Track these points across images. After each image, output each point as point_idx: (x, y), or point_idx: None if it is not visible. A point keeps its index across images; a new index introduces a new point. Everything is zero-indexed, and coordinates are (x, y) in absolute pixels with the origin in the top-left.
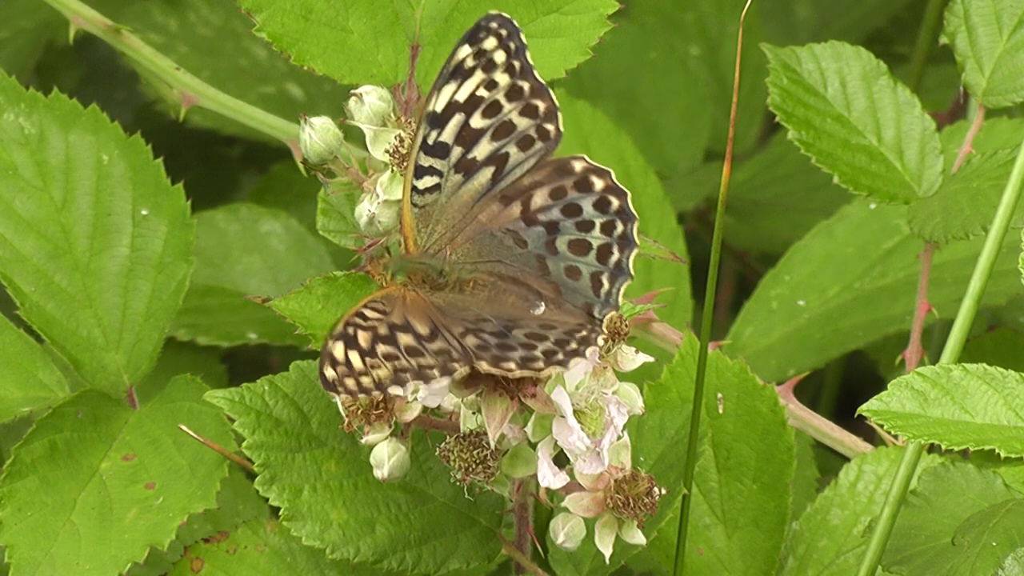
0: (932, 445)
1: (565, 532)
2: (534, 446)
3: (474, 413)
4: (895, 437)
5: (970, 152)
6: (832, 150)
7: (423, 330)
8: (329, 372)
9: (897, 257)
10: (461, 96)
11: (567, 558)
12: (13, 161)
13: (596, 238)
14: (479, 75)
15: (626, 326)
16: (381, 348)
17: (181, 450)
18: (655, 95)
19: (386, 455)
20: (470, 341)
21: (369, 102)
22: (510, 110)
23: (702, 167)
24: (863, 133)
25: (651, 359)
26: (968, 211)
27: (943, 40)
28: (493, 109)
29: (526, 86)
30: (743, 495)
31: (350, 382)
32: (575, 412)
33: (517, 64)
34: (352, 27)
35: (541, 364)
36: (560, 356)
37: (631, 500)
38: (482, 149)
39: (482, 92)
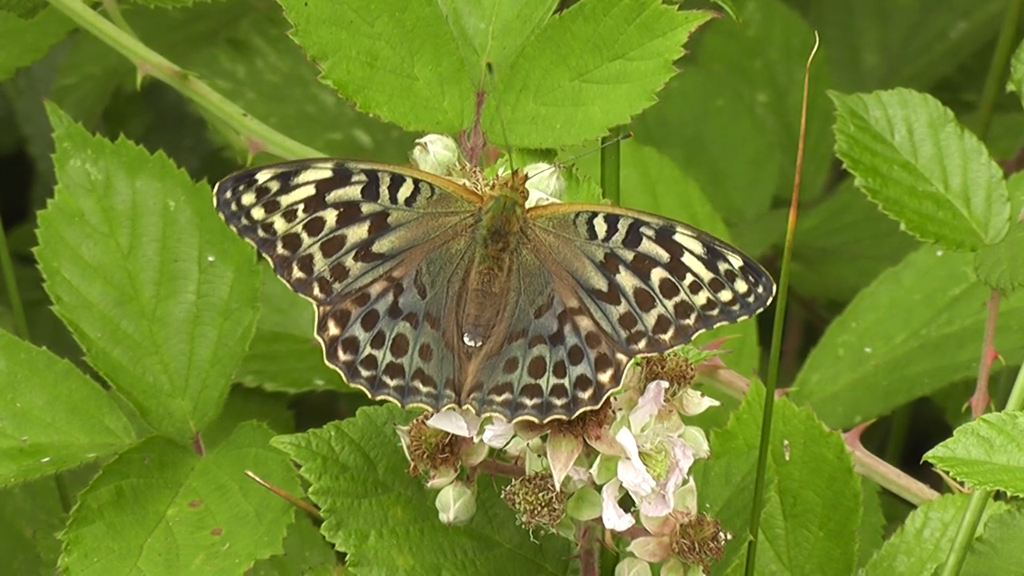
0: (998, 492)
1: None
2: (599, 488)
3: (539, 456)
4: (961, 484)
5: None
6: (899, 197)
7: None
8: None
9: (964, 304)
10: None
11: None
12: (80, 207)
13: None
14: (705, 273)
15: (692, 370)
16: None
17: (248, 496)
18: (722, 142)
19: (452, 499)
20: None
21: (434, 151)
22: (678, 293)
23: (769, 214)
24: (930, 180)
25: (716, 403)
26: None
27: (1010, 87)
28: (671, 286)
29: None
30: (809, 542)
31: None
32: (640, 454)
33: (734, 303)
34: (417, 74)
35: None
36: None
37: (697, 544)
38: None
39: (688, 277)
